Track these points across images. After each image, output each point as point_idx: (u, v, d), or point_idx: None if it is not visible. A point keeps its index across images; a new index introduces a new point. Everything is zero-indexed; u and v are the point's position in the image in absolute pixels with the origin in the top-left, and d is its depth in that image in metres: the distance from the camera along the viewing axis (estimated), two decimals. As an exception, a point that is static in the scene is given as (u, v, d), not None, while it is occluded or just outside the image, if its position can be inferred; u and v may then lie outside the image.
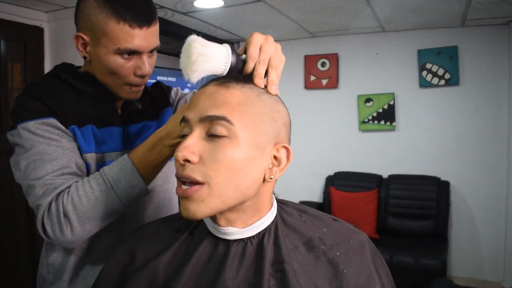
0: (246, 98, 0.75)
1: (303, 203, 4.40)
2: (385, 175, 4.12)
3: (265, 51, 0.81)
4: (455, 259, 3.93)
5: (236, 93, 0.75)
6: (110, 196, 0.96)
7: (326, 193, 4.23)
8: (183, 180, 0.74)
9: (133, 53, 1.03)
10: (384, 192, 3.98)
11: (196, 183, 0.73)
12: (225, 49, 0.80)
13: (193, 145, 0.73)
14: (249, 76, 0.81)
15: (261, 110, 0.76)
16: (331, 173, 4.33)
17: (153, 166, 0.99)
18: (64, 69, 1.13)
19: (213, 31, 4.04)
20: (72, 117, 1.04)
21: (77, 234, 0.95)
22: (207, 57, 0.78)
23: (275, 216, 0.84)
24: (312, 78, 4.43)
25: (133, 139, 1.18)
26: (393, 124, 4.13)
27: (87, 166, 1.06)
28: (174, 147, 0.96)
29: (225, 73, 0.81)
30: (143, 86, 1.13)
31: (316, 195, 4.45)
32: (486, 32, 3.78)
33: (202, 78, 0.81)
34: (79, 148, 1.04)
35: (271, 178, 0.77)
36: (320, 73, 4.40)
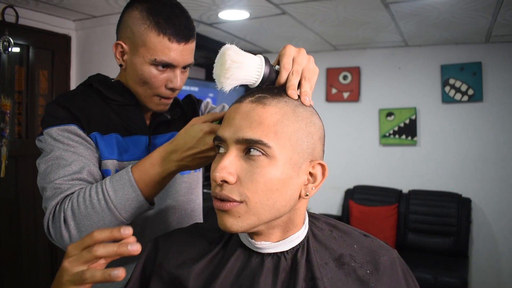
0: (282, 115, 0.75)
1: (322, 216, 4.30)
2: (405, 190, 4.08)
3: (298, 62, 0.81)
4: (476, 277, 3.85)
5: (273, 110, 0.75)
6: (106, 206, 0.96)
7: (345, 207, 4.20)
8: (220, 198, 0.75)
9: (168, 66, 1.07)
10: (404, 207, 3.94)
11: (236, 202, 0.74)
12: (259, 59, 0.81)
13: (230, 166, 0.73)
14: (283, 88, 0.81)
15: (297, 126, 0.76)
16: (351, 186, 4.30)
17: (155, 181, 0.99)
18: (96, 78, 1.18)
19: (237, 43, 4.05)
20: (95, 124, 1.08)
21: (75, 241, 0.93)
22: (240, 65, 0.78)
23: (307, 231, 0.84)
24: (334, 91, 4.43)
25: None
26: (415, 139, 4.09)
27: (107, 172, 1.08)
28: (181, 162, 0.97)
29: (257, 83, 0.81)
30: (172, 100, 1.16)
31: (335, 208, 4.43)
32: (510, 48, 3.74)
33: (234, 88, 0.81)
34: (99, 154, 1.07)
35: (306, 195, 0.78)
36: (342, 86, 4.39)
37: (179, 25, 1.04)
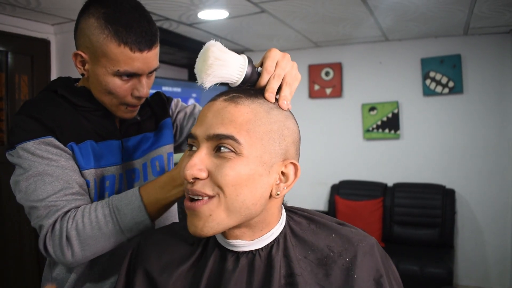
0: (254, 115, 0.75)
1: (309, 212, 4.24)
2: (390, 184, 4.12)
3: (282, 67, 0.81)
4: (461, 267, 3.91)
5: (245, 110, 0.75)
6: (114, 229, 0.96)
7: (331, 202, 4.22)
8: (191, 197, 0.75)
9: (132, 75, 1.02)
10: (389, 201, 3.97)
11: (209, 196, 0.73)
12: (242, 58, 0.80)
13: (200, 163, 0.73)
14: (261, 90, 0.80)
15: (269, 127, 0.75)
16: (336, 181, 4.32)
17: (162, 205, 0.99)
18: (61, 84, 1.12)
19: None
20: (70, 134, 1.03)
21: (77, 258, 0.95)
22: (223, 63, 0.77)
23: (284, 227, 0.84)
24: (316, 87, 4.44)
25: (132, 151, 1.17)
26: (398, 132, 4.13)
27: (87, 182, 1.05)
28: None
29: (238, 83, 0.80)
30: (139, 106, 1.12)
31: (321, 204, 4.44)
32: (489, 40, 3.79)
33: (217, 87, 0.80)
34: (77, 165, 1.03)
35: (277, 195, 0.77)
36: (324, 82, 4.40)
37: (140, 32, 0.98)
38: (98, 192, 1.08)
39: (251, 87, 0.83)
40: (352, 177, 4.29)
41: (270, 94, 0.78)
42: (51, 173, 0.97)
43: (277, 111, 0.78)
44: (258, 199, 0.75)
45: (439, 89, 3.96)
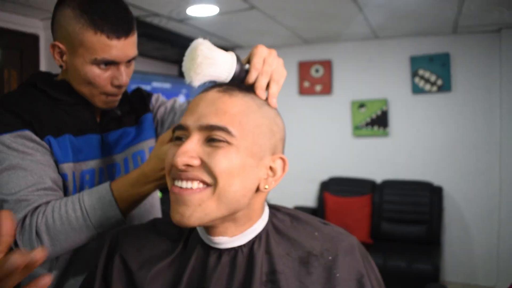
0: (247, 107, 0.76)
1: (298, 208, 4.38)
2: (378, 181, 4.13)
3: (269, 63, 0.81)
4: (448, 264, 3.94)
5: (239, 101, 0.75)
6: (84, 224, 0.95)
7: (321, 198, 4.23)
8: (180, 185, 0.74)
9: (110, 63, 1.02)
10: (378, 198, 3.99)
11: (204, 183, 0.73)
12: (231, 56, 0.80)
13: (191, 150, 0.72)
14: (251, 87, 0.81)
15: (261, 121, 0.77)
16: (326, 178, 4.33)
17: (134, 200, 0.99)
18: (40, 78, 1.11)
19: (209, 39, 4.05)
20: (48, 127, 1.03)
21: (49, 253, 0.94)
22: (212, 61, 0.77)
23: (266, 224, 0.84)
24: (306, 84, 4.44)
25: (112, 146, 1.17)
26: (387, 129, 4.14)
27: (64, 176, 1.04)
28: (158, 181, 0.97)
29: (227, 81, 0.80)
30: (120, 95, 1.12)
31: (310, 200, 4.45)
32: (477, 39, 3.81)
33: (204, 84, 0.80)
34: (55, 159, 1.03)
35: (265, 188, 0.78)
36: (314, 79, 4.40)
37: (116, 20, 0.99)
38: (78, 186, 1.08)
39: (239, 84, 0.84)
40: (341, 174, 4.30)
41: (261, 91, 0.80)
42: (25, 167, 0.96)
43: (267, 108, 0.80)
44: (247, 191, 0.75)
45: (428, 87, 3.98)
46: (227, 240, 0.80)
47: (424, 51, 3.98)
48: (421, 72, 4.00)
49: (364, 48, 4.21)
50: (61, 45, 1.03)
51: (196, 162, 0.72)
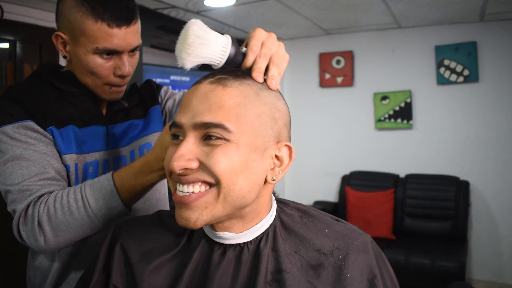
0: (244, 97, 0.71)
1: (318, 203, 4.37)
2: (402, 175, 4.05)
3: (267, 46, 0.77)
4: (475, 261, 3.83)
5: (234, 92, 0.70)
6: (86, 214, 0.94)
7: (342, 193, 4.18)
8: (181, 192, 0.70)
9: (112, 53, 1.02)
10: (401, 192, 3.91)
11: (207, 184, 0.69)
12: (225, 38, 0.76)
13: (188, 153, 0.69)
14: (248, 71, 0.76)
15: (260, 110, 0.72)
16: (347, 172, 4.28)
17: (137, 191, 0.97)
18: (47, 69, 1.12)
19: (227, 30, 4.02)
20: (51, 118, 1.03)
21: (50, 244, 0.94)
22: (204, 42, 0.73)
23: (274, 219, 0.80)
24: (327, 76, 4.39)
25: (118, 138, 1.16)
26: (410, 122, 4.05)
27: (66, 167, 1.04)
28: (162, 171, 0.94)
29: (221, 64, 0.76)
30: (125, 86, 1.11)
31: (331, 195, 4.40)
32: (506, 26, 3.68)
33: (198, 70, 0.77)
34: (57, 150, 1.03)
35: (273, 180, 0.74)
36: (335, 71, 4.34)
37: (116, 8, 0.98)
38: (81, 178, 1.07)
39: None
40: (363, 168, 4.24)
41: (258, 74, 0.74)
42: (28, 157, 0.97)
43: (267, 92, 0.74)
44: (253, 186, 0.71)
45: (453, 77, 3.87)
46: (233, 236, 0.76)
47: (449, 40, 3.87)
48: (446, 62, 3.89)
49: (387, 38, 4.14)
50: (63, 35, 1.03)
51: (194, 164, 0.69)
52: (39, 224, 0.93)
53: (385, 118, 4.16)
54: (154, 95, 1.27)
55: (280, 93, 0.78)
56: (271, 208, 0.80)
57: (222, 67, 0.77)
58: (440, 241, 3.63)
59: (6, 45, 2.89)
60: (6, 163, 0.96)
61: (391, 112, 4.12)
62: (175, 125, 0.73)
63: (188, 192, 0.70)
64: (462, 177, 3.81)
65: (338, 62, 4.34)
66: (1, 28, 2.74)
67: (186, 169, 0.69)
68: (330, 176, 4.38)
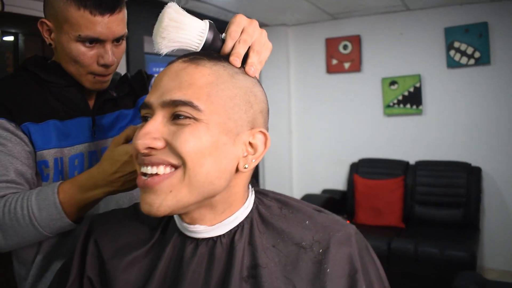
0: (217, 77, 0.68)
1: (326, 191, 4.33)
2: (412, 162, 3.98)
3: (248, 33, 0.74)
4: (487, 250, 3.75)
5: (206, 71, 0.68)
6: (30, 223, 0.93)
7: (350, 181, 4.11)
8: (144, 172, 0.67)
9: (96, 41, 1.01)
10: (411, 179, 3.83)
11: (172, 166, 0.66)
12: (203, 23, 0.73)
13: (154, 131, 0.65)
14: (226, 56, 0.73)
15: (234, 92, 0.69)
16: (356, 160, 4.22)
17: (81, 206, 0.95)
18: (32, 61, 1.12)
19: (230, 17, 3.97)
20: (29, 114, 1.03)
21: (2, 246, 0.95)
22: (179, 25, 0.71)
23: (251, 211, 0.76)
24: (334, 61, 4.32)
25: (107, 129, 1.15)
26: (420, 107, 3.97)
27: (44, 162, 1.04)
28: (108, 187, 0.92)
29: (199, 50, 0.73)
30: (109, 76, 1.10)
31: (340, 183, 4.35)
32: (519, 6, 3.55)
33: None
34: (33, 146, 1.03)
35: (245, 168, 0.70)
36: (342, 56, 4.27)
37: None
38: (66, 172, 1.07)
39: None
40: (372, 155, 4.17)
41: (236, 58, 0.71)
42: None
43: (243, 76, 0.71)
44: (222, 172, 0.68)
45: (464, 60, 3.76)
46: (205, 229, 0.73)
47: (459, 21, 3.76)
48: (456, 44, 3.78)
49: (395, 21, 4.05)
50: (48, 22, 1.03)
51: (160, 144, 0.65)
52: None
53: (394, 104, 4.08)
54: (144, 84, 1.26)
55: (258, 81, 0.75)
56: (247, 199, 0.76)
57: (200, 51, 0.74)
58: (451, 230, 3.55)
59: (10, 38, 2.89)
60: None
61: (400, 98, 4.04)
62: (144, 105, 0.70)
63: (151, 174, 0.66)
64: (474, 163, 3.72)
65: (345, 47, 4.26)
66: (3, 20, 2.74)
67: (150, 148, 0.65)
68: (338, 164, 4.33)
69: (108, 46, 1.02)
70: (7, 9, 2.75)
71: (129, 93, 1.22)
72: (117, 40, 1.04)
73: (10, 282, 2.78)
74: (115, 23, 1.01)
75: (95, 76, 1.06)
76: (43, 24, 1.04)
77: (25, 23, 2.94)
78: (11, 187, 0.97)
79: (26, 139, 1.02)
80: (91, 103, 1.15)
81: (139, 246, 0.77)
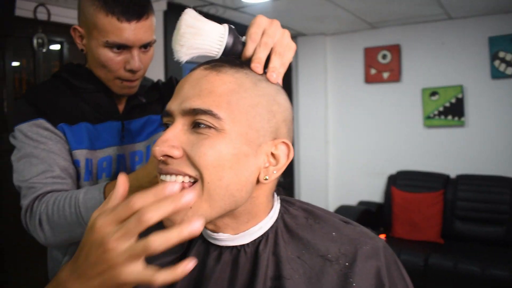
0: (239, 85, 0.66)
1: (363, 203, 4.25)
2: (452, 175, 3.86)
3: (269, 34, 0.71)
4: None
5: (228, 79, 0.66)
6: (77, 221, 0.98)
7: (388, 193, 4.02)
8: (163, 180, 0.66)
9: (123, 47, 1.04)
10: (451, 194, 3.71)
11: (190, 177, 0.64)
12: (222, 27, 0.72)
13: (173, 138, 0.64)
14: (248, 62, 0.71)
15: (256, 100, 0.67)
16: (393, 171, 4.13)
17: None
18: (65, 68, 1.18)
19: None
20: (63, 116, 1.08)
21: (50, 242, 1.01)
22: (197, 31, 0.70)
23: (276, 221, 0.74)
24: (373, 71, 4.26)
25: (135, 133, 1.19)
26: (462, 119, 3.85)
27: (76, 162, 1.09)
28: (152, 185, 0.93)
29: (219, 55, 0.72)
30: (137, 82, 1.13)
31: (377, 195, 4.27)
32: None
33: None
34: (69, 146, 1.08)
35: (265, 179, 0.68)
36: (381, 66, 4.21)
37: (128, 3, 1.01)
38: (95, 173, 1.12)
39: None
40: (411, 168, 4.08)
41: (257, 64, 0.69)
42: (37, 155, 1.03)
43: (266, 84, 0.70)
44: (243, 184, 0.66)
45: (509, 71, 3.64)
46: (229, 238, 0.71)
47: (504, 30, 3.65)
48: (501, 54, 3.66)
49: (436, 30, 3.96)
50: (80, 29, 1.09)
51: (177, 152, 0.64)
52: (40, 222, 0.99)
53: (434, 115, 3.98)
54: (173, 91, 1.27)
55: (282, 87, 0.73)
56: (271, 208, 0.74)
57: (221, 57, 0.72)
58: (493, 247, 3.41)
59: (57, 47, 3.02)
60: (19, 160, 1.05)
61: (441, 109, 3.93)
62: (165, 113, 0.69)
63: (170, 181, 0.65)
64: (519, 178, 3.56)
65: (384, 56, 4.19)
66: (48, 30, 2.87)
67: (167, 156, 0.64)
68: (375, 176, 4.25)
69: (135, 52, 1.06)
70: (52, 19, 2.87)
71: (159, 100, 1.26)
72: (144, 46, 1.07)
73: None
74: (142, 30, 1.04)
75: (122, 81, 1.10)
76: (76, 30, 1.10)
77: (69, 32, 3.06)
78: (57, 183, 1.03)
79: (64, 138, 1.08)
80: (121, 108, 1.19)
81: (169, 252, 0.76)
